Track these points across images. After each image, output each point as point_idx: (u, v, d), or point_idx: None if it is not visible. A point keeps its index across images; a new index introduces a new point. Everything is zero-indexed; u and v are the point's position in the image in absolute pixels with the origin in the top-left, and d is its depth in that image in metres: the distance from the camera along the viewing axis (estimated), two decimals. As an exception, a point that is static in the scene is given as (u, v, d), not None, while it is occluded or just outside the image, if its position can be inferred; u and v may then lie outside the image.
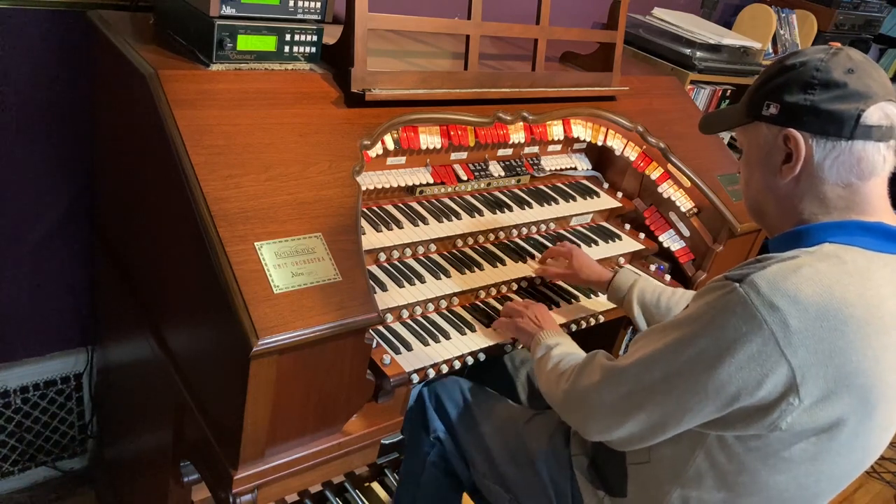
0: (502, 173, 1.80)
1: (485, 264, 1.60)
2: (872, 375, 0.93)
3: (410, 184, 1.62)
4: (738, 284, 0.94)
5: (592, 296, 1.69)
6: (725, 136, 2.74)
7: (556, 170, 1.94)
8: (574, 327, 1.59)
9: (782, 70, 1.03)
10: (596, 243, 1.83)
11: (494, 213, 1.71)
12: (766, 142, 1.05)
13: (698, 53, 2.60)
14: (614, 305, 1.66)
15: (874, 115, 0.96)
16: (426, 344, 1.37)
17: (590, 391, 1.13)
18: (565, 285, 1.70)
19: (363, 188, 1.31)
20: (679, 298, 1.47)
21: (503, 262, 1.63)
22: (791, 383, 0.92)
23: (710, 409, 0.98)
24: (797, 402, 0.93)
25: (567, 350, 1.30)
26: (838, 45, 1.04)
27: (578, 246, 1.74)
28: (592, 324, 1.63)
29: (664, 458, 1.13)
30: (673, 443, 1.10)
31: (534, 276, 1.64)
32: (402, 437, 1.82)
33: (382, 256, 1.50)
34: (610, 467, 1.25)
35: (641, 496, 1.19)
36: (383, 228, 1.52)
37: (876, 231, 0.98)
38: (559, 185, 1.96)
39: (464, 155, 1.74)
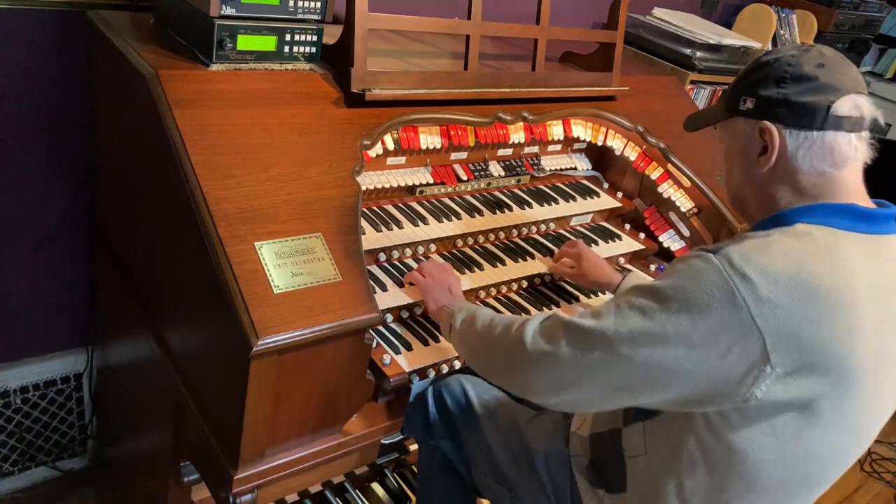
0: (502, 173, 1.80)
1: (485, 264, 1.60)
2: (846, 346, 0.95)
3: (410, 184, 1.62)
4: (712, 255, 0.96)
5: (592, 296, 1.69)
6: (725, 136, 2.74)
7: (556, 170, 1.95)
8: (574, 327, 1.59)
9: (757, 67, 1.09)
10: (596, 243, 1.83)
11: (494, 213, 1.71)
12: (743, 135, 1.09)
13: (698, 53, 2.60)
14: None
15: (844, 105, 1.01)
16: (426, 344, 1.37)
17: (547, 348, 1.07)
18: (566, 286, 1.70)
19: (363, 188, 1.31)
20: None
21: (503, 262, 1.63)
22: (762, 351, 0.93)
23: (686, 373, 0.96)
24: (769, 370, 0.93)
25: (493, 313, 1.25)
26: (811, 43, 1.08)
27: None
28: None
29: (659, 448, 1.14)
30: (664, 430, 1.11)
31: (535, 274, 1.64)
32: (402, 436, 1.82)
33: (382, 256, 1.50)
34: (608, 464, 1.25)
35: (640, 489, 1.19)
36: (383, 228, 1.52)
37: (847, 212, 1.01)
38: (559, 185, 1.96)
39: (464, 155, 1.74)
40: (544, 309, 1.59)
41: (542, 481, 1.35)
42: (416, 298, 1.42)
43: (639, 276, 1.58)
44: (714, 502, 1.09)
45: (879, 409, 1.05)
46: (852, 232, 1.00)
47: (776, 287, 0.92)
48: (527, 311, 1.56)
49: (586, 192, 1.96)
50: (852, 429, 1.03)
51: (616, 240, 1.88)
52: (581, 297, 1.67)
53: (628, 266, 1.86)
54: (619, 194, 2.02)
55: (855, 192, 1.05)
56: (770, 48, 2.99)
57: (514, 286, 1.63)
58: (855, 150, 1.03)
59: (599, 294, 1.70)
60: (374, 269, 1.47)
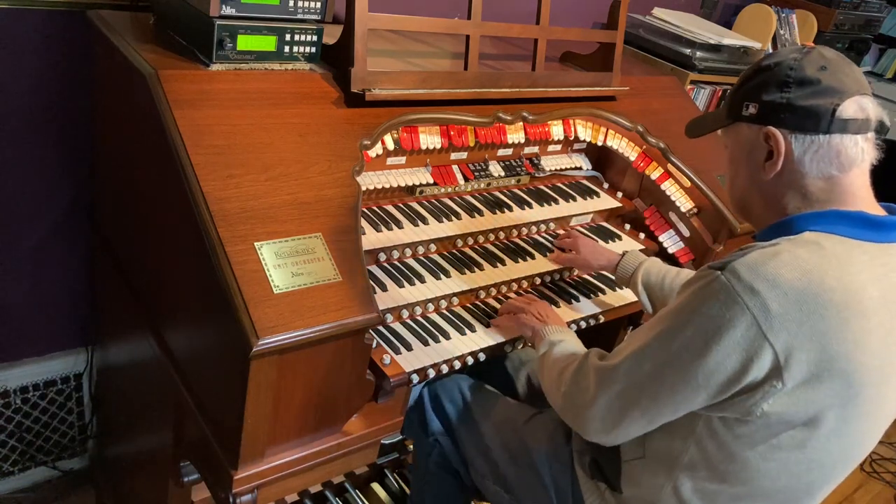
0: (502, 173, 1.80)
1: (485, 264, 1.60)
2: (853, 360, 0.94)
3: (410, 184, 1.62)
4: (720, 272, 0.96)
5: (592, 296, 1.69)
6: (725, 136, 2.74)
7: (556, 170, 1.94)
8: (574, 328, 1.59)
9: (758, 71, 1.07)
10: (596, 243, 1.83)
11: (494, 213, 1.71)
12: (747, 141, 1.08)
13: (698, 53, 2.60)
14: (615, 305, 1.67)
15: (849, 108, 1.00)
16: (426, 344, 1.37)
17: (585, 394, 1.14)
18: (565, 286, 1.70)
19: (363, 188, 1.31)
20: (684, 278, 1.48)
21: (503, 262, 1.63)
22: (775, 367, 0.93)
23: (703, 397, 1.00)
24: (780, 386, 0.94)
25: (569, 348, 1.30)
26: (811, 44, 1.07)
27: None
28: (592, 324, 1.63)
29: (658, 451, 1.14)
30: (666, 435, 1.11)
31: (535, 274, 1.64)
32: (402, 437, 1.82)
33: (382, 256, 1.50)
34: (608, 465, 1.26)
35: (638, 491, 1.20)
36: (383, 228, 1.51)
37: (855, 219, 1.00)
38: (559, 185, 1.96)
39: (464, 155, 1.74)
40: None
41: (544, 481, 1.35)
42: (417, 298, 1.43)
43: (638, 255, 1.58)
44: None
45: (883, 416, 1.05)
46: (861, 241, 0.99)
47: (786, 300, 0.92)
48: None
49: (586, 192, 1.96)
50: (855, 437, 1.03)
51: (616, 240, 1.88)
52: (581, 297, 1.67)
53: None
54: (619, 194, 2.02)
55: (863, 196, 1.04)
56: (770, 49, 2.99)
57: (514, 286, 1.63)
58: (862, 153, 1.02)
59: (599, 294, 1.70)
60: (374, 269, 1.47)
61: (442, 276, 1.51)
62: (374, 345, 1.25)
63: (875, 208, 1.05)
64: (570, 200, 1.89)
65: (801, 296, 0.92)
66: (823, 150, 1.01)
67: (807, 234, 1.00)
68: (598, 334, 1.77)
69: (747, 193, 1.12)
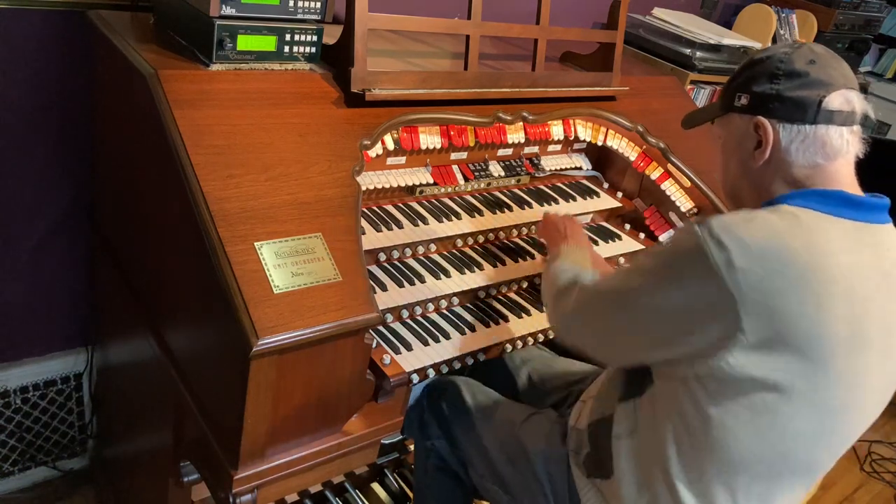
0: (502, 173, 1.80)
1: (485, 264, 1.60)
2: (815, 321, 0.96)
3: (410, 184, 1.62)
4: (696, 225, 1.01)
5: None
6: (725, 136, 2.74)
7: (556, 170, 1.94)
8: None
9: (750, 65, 1.14)
10: (596, 243, 1.83)
11: (494, 213, 1.71)
12: (738, 131, 1.14)
13: (698, 53, 2.60)
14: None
15: (835, 100, 1.05)
16: (426, 344, 1.37)
17: (566, 302, 1.24)
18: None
19: (363, 188, 1.31)
20: None
21: (503, 262, 1.63)
22: (735, 315, 0.96)
23: (663, 333, 1.05)
24: (740, 336, 0.97)
25: (573, 265, 1.36)
26: (802, 40, 1.12)
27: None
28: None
29: (647, 426, 1.16)
30: (654, 407, 1.14)
31: (535, 274, 1.64)
32: (402, 437, 1.82)
33: (382, 256, 1.50)
34: (601, 450, 1.26)
35: (628, 471, 1.21)
36: (383, 228, 1.52)
37: (833, 197, 1.04)
38: (559, 185, 1.96)
39: (464, 155, 1.74)
40: (544, 309, 1.59)
41: (541, 481, 1.35)
42: (417, 298, 1.43)
43: None
44: (697, 480, 1.11)
45: (869, 388, 1.05)
46: (837, 217, 1.02)
47: (748, 255, 0.96)
48: (527, 312, 1.56)
49: (586, 192, 1.96)
50: (831, 408, 1.04)
51: (616, 240, 1.88)
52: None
53: (622, 264, 1.86)
54: (619, 194, 2.02)
55: (846, 183, 1.08)
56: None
57: (514, 286, 1.63)
58: (847, 144, 1.07)
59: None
60: (374, 269, 1.47)
61: (442, 276, 1.51)
62: (374, 345, 1.25)
63: (857, 192, 1.08)
64: (570, 200, 1.89)
65: (764, 252, 0.96)
66: (809, 139, 1.06)
67: (784, 206, 1.04)
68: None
69: (738, 181, 1.17)
